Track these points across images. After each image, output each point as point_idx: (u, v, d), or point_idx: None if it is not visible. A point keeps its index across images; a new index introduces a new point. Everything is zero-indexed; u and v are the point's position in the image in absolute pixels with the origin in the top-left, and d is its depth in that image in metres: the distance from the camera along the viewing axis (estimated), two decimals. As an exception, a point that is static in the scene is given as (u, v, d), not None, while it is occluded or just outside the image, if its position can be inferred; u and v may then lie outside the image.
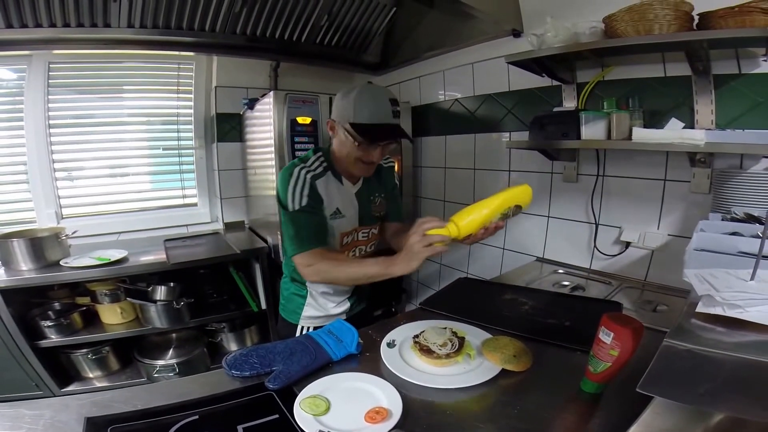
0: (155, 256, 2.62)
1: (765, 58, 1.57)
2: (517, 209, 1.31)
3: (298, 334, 1.71)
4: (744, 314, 0.71)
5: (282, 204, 1.53)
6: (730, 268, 0.90)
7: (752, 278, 0.83)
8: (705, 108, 1.74)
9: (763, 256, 0.85)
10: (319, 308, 1.72)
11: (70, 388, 2.47)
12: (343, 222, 1.62)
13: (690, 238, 1.29)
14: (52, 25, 2.25)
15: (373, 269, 1.41)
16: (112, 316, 2.58)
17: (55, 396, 2.36)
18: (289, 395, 1.05)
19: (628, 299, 1.82)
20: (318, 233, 1.53)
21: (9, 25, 2.17)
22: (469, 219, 1.23)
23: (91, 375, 2.58)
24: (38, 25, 2.23)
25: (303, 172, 1.52)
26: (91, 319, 2.60)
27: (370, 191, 1.72)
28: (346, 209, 1.62)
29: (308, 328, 1.72)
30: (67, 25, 2.27)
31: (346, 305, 1.75)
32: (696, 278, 0.85)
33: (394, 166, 1.85)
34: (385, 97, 1.47)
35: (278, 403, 1.03)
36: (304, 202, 1.49)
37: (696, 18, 1.59)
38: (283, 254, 1.77)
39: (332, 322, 1.40)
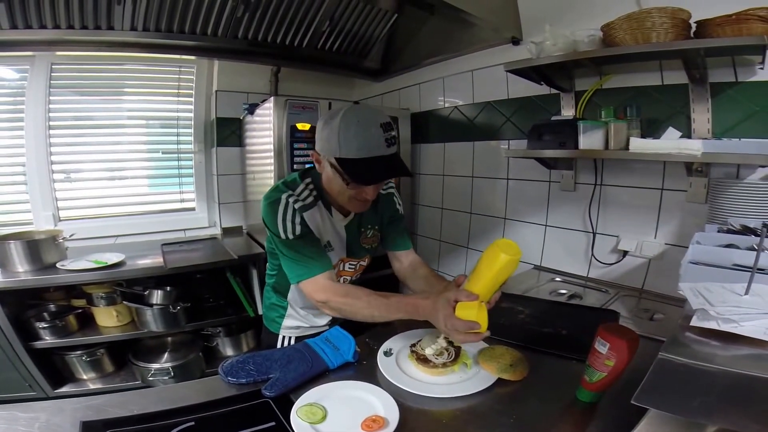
0: (152, 260, 2.61)
1: (761, 66, 1.58)
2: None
3: (279, 344, 1.67)
4: (738, 329, 0.72)
5: (273, 232, 1.39)
6: (726, 282, 0.90)
7: (746, 292, 0.84)
8: (701, 116, 1.75)
9: (758, 269, 0.86)
10: (300, 319, 1.65)
11: (64, 389, 2.47)
12: (331, 255, 1.49)
13: (687, 247, 1.29)
14: (56, 26, 2.25)
15: (395, 315, 1.28)
16: (108, 318, 2.58)
17: (48, 397, 2.37)
18: (285, 403, 1.05)
19: (625, 307, 1.82)
20: (318, 256, 1.39)
21: (13, 26, 2.17)
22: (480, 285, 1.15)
23: (85, 377, 2.57)
24: (42, 27, 2.23)
25: (291, 200, 1.37)
26: (87, 322, 2.60)
27: (362, 223, 1.57)
28: (334, 241, 1.50)
29: (289, 338, 1.67)
30: (70, 26, 2.28)
31: (329, 317, 1.65)
32: (691, 292, 0.86)
33: (393, 192, 1.65)
34: (376, 122, 1.26)
35: (275, 411, 1.03)
36: (298, 230, 1.36)
37: (693, 26, 1.60)
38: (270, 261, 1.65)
39: (330, 329, 1.38)
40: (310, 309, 1.62)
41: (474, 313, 1.12)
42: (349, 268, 1.61)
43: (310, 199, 1.43)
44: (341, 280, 1.61)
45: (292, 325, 1.66)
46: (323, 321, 1.66)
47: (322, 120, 1.33)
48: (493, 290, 1.16)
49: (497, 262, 1.10)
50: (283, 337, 1.68)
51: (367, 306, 1.30)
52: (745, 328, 0.72)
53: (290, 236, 1.36)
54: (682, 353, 0.69)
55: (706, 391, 0.63)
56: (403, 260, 1.67)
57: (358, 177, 1.28)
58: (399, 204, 1.67)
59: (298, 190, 1.42)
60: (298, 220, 1.36)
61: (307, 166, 1.53)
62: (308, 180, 1.46)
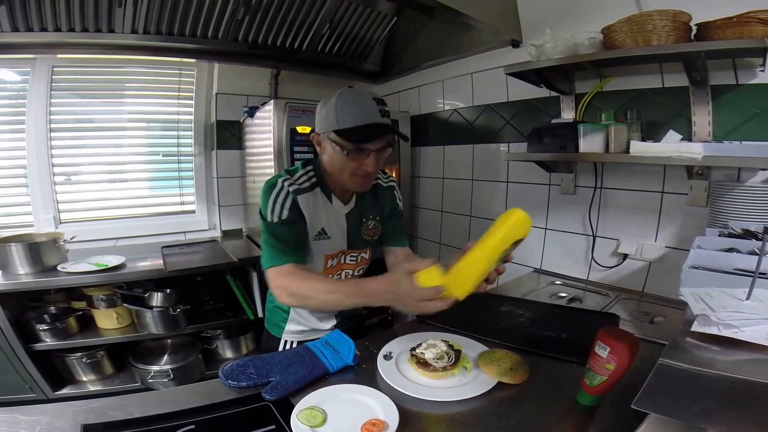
0: (152, 263, 2.61)
1: (762, 69, 1.58)
2: (516, 244, 1.13)
3: (281, 348, 1.66)
4: (739, 334, 0.72)
5: (261, 215, 1.42)
6: (727, 287, 0.91)
7: (748, 298, 0.84)
8: (702, 119, 1.75)
9: (760, 274, 0.86)
10: (302, 323, 1.63)
11: (64, 391, 2.47)
12: (329, 244, 1.51)
13: (687, 250, 1.29)
14: (57, 29, 2.26)
15: (351, 300, 1.27)
16: (108, 321, 2.57)
17: (48, 398, 2.37)
18: (285, 406, 1.05)
19: (626, 311, 1.82)
20: (296, 247, 1.40)
21: (14, 29, 2.18)
22: (465, 282, 1.09)
23: (84, 379, 2.57)
24: (43, 29, 2.24)
25: (287, 184, 1.41)
26: (87, 324, 2.60)
27: (363, 213, 1.59)
28: (333, 230, 1.51)
29: (291, 342, 1.65)
30: (72, 29, 2.29)
31: (333, 321, 1.65)
32: (692, 297, 0.86)
33: (394, 186, 1.70)
34: (369, 97, 1.36)
35: (275, 414, 1.03)
36: (284, 215, 1.38)
37: (694, 28, 1.60)
38: None
39: (330, 333, 1.39)
40: (314, 312, 1.61)
41: (436, 276, 1.09)
42: (350, 261, 1.62)
43: (307, 184, 1.46)
44: (343, 273, 1.61)
45: (295, 329, 1.64)
46: (327, 325, 1.65)
47: (321, 103, 1.41)
48: (499, 249, 1.09)
49: (512, 215, 1.09)
50: (285, 341, 1.66)
51: (323, 291, 1.31)
52: (745, 333, 0.72)
53: (275, 219, 1.39)
54: (683, 358, 0.69)
55: (706, 396, 0.63)
56: (399, 254, 1.69)
57: (356, 138, 1.33)
58: (399, 199, 1.71)
59: (297, 175, 1.46)
60: (288, 204, 1.39)
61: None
62: (309, 167, 1.50)
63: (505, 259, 1.16)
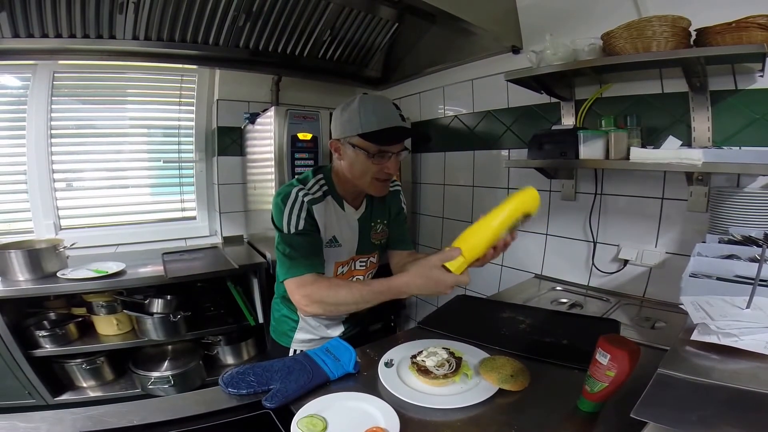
0: (153, 269, 2.62)
1: (761, 74, 1.59)
2: (526, 218, 1.20)
3: None
4: (738, 343, 0.72)
5: (277, 226, 1.43)
6: (727, 295, 0.90)
7: (748, 306, 0.83)
8: (702, 125, 1.75)
9: (761, 281, 0.86)
10: (312, 331, 1.62)
11: (64, 397, 2.46)
12: (340, 251, 1.52)
13: (688, 255, 1.29)
14: (58, 35, 2.27)
15: (380, 297, 1.30)
16: (108, 327, 2.57)
17: (47, 404, 2.37)
18: (286, 414, 1.05)
19: (627, 316, 1.82)
20: (314, 257, 1.42)
21: (16, 35, 2.18)
22: (472, 242, 1.17)
23: (84, 385, 2.57)
24: (44, 35, 2.24)
25: (301, 194, 1.41)
26: (87, 330, 2.60)
27: (374, 217, 1.62)
28: (344, 237, 1.52)
29: (300, 352, 1.58)
30: (72, 35, 2.30)
31: (341, 329, 1.65)
32: (692, 306, 0.86)
33: (399, 190, 1.74)
34: (389, 101, 1.43)
35: (275, 422, 1.03)
36: (301, 225, 1.39)
37: (693, 34, 1.61)
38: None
39: (330, 340, 1.38)
40: (322, 320, 1.61)
41: (462, 263, 1.18)
42: (361, 266, 1.63)
43: (319, 193, 1.47)
44: (354, 280, 1.62)
45: (305, 338, 1.64)
46: (336, 332, 1.64)
47: (339, 108, 1.43)
48: (509, 216, 1.18)
49: (524, 190, 1.20)
50: (295, 350, 1.64)
51: (349, 293, 1.33)
52: (744, 342, 0.72)
53: (292, 230, 1.40)
54: (681, 368, 0.69)
55: (705, 406, 0.63)
56: (404, 255, 1.71)
57: (382, 140, 1.36)
58: (404, 203, 1.74)
59: (309, 184, 1.47)
60: (304, 215, 1.40)
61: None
62: (320, 176, 1.52)
63: (514, 230, 1.22)
